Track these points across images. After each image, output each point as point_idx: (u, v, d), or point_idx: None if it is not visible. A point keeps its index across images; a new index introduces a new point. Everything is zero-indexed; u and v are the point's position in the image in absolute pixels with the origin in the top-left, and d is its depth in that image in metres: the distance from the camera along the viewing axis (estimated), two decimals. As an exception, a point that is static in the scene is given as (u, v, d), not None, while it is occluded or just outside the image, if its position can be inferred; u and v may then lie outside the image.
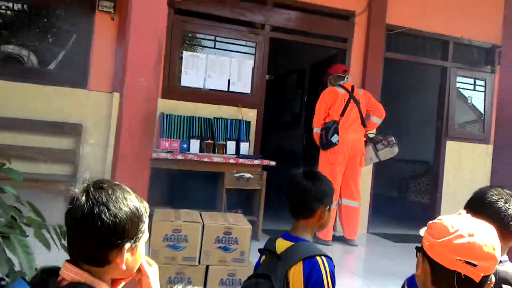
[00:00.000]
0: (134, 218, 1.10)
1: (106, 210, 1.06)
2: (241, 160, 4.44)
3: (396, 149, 4.58)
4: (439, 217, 1.27)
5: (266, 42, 5.08)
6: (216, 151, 4.57)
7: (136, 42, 2.50)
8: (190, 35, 5.07)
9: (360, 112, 4.57)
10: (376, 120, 4.70)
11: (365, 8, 5.42)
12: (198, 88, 4.91)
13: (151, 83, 2.51)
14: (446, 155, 5.82)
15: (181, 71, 4.83)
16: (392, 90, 6.89)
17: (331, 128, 4.39)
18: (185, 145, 4.57)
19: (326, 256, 1.69)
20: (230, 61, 4.99)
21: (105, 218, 1.06)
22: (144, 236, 1.14)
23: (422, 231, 1.31)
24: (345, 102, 4.52)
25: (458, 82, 6.33)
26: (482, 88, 6.15)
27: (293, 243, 1.72)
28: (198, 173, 4.52)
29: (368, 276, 4.01)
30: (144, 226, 1.13)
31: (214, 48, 5.09)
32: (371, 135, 4.74)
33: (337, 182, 4.44)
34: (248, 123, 4.85)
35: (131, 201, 1.11)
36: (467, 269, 1.14)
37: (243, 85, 5.05)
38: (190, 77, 4.85)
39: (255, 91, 5.08)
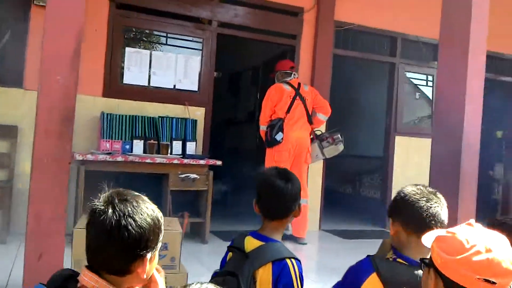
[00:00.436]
0: (156, 229, 1.14)
1: (133, 222, 1.09)
2: (186, 161, 4.31)
3: (340, 147, 4.56)
4: (449, 230, 1.20)
5: (214, 38, 4.96)
6: (160, 151, 4.41)
7: (51, 35, 2.34)
8: (132, 30, 4.87)
9: (306, 109, 4.52)
10: (322, 117, 4.67)
11: (314, 5, 5.38)
12: (143, 86, 4.73)
13: (68, 80, 2.35)
14: (395, 150, 5.88)
15: (123, 68, 4.64)
16: (343, 86, 6.92)
17: (275, 126, 4.32)
18: (127, 146, 4.39)
19: (296, 259, 1.67)
20: (176, 58, 4.84)
21: (132, 230, 1.09)
22: (159, 244, 1.18)
23: (427, 241, 1.24)
24: (291, 99, 4.47)
25: (412, 78, 6.44)
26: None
27: (263, 243, 1.69)
28: (142, 175, 4.35)
29: (313, 273, 3.96)
30: (162, 235, 1.18)
31: (159, 44, 4.92)
32: (318, 132, 4.70)
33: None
34: (194, 122, 4.71)
35: (153, 211, 1.15)
36: (486, 287, 1.08)
37: (190, 82, 4.90)
38: (133, 75, 4.67)
39: (203, 88, 4.95)
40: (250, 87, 7.55)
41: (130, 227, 1.09)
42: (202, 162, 4.37)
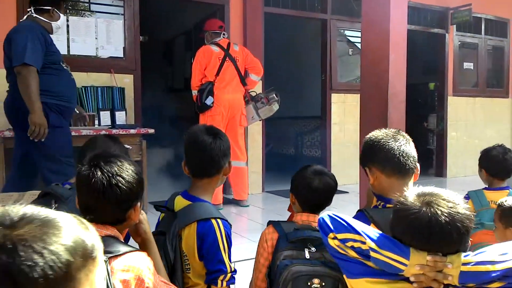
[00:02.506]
0: (140, 180, 1.31)
1: (122, 179, 1.25)
2: (114, 131, 4.10)
3: (275, 107, 4.49)
4: None
5: (136, 0, 4.67)
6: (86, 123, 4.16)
7: None
8: (44, -5, 4.47)
9: (238, 70, 4.39)
10: (254, 77, 4.57)
11: (240, -40, 5.17)
12: (61, 54, 4.39)
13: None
14: (332, 108, 5.93)
15: (38, 36, 4.28)
16: (278, 46, 6.84)
17: (205, 90, 4.18)
18: (50, 120, 4.10)
19: (222, 219, 1.64)
20: (95, 22, 4.53)
21: (123, 186, 1.25)
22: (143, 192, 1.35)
23: None
24: (220, 61, 4.31)
25: (348, 35, 6.44)
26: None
27: (191, 203, 1.69)
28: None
29: (255, 233, 3.97)
30: (144, 184, 1.35)
31: (75, 9, 4.57)
32: (253, 94, 4.61)
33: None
34: (122, 90, 4.48)
35: (135, 166, 1.32)
36: None
37: (113, 48, 4.62)
38: (49, 43, 4.32)
39: (129, 54, 4.68)
40: (185, 52, 7.30)
41: (120, 184, 1.25)
42: (132, 131, 4.18)
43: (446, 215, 1.12)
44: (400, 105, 3.34)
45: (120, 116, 4.40)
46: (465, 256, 1.14)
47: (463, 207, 1.16)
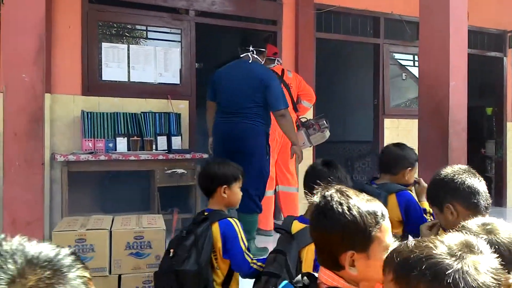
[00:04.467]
0: (348, 224, 1.12)
1: (325, 219, 1.16)
2: (171, 156, 4.22)
3: (327, 134, 4.46)
4: None
5: (192, 28, 4.84)
6: (145, 147, 4.32)
7: (11, 35, 2.24)
8: (107, 25, 4.75)
9: (291, 97, 4.41)
10: (307, 104, 4.57)
11: (292, -12, 5.27)
12: (122, 81, 4.62)
13: (33, 79, 2.26)
14: (384, 133, 5.82)
15: (101, 64, 4.53)
16: (329, 70, 6.84)
17: (261, 116, 4.22)
18: (111, 144, 4.29)
19: None
20: (155, 51, 4.72)
21: (327, 228, 1.15)
22: (378, 243, 1.12)
23: None
24: (275, 87, 4.35)
25: (399, 59, 6.36)
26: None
27: (307, 225, 1.81)
28: (128, 173, 4.28)
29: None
30: (375, 232, 1.12)
31: (136, 37, 4.80)
32: (303, 119, 4.60)
33: (272, 170, 4.32)
34: (178, 116, 4.62)
35: (358, 207, 1.14)
36: None
37: (171, 75, 4.80)
38: (112, 71, 4.55)
39: (185, 81, 4.84)
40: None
41: (327, 228, 1.15)
42: (188, 156, 4.29)
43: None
44: (462, 132, 3.23)
45: (176, 141, 4.51)
46: None
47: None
